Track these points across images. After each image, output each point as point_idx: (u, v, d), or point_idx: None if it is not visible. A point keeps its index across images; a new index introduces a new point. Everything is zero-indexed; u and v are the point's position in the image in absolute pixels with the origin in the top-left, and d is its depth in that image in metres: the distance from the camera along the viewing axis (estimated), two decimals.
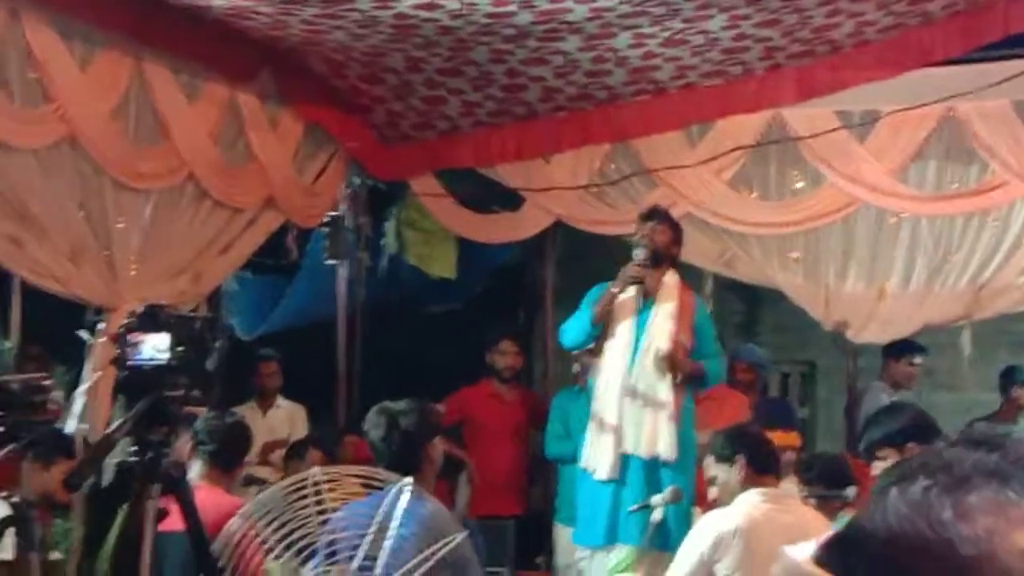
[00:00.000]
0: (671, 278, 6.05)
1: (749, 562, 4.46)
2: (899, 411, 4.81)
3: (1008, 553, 0.74)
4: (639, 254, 5.92)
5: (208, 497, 4.31)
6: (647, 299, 5.99)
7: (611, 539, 5.89)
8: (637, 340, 5.95)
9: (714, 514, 4.73)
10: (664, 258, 6.02)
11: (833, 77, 6.76)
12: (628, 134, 7.25)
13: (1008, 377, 7.69)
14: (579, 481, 6.15)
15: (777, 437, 5.70)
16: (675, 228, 6.16)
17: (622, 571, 5.67)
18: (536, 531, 7.11)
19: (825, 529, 4.53)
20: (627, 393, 5.90)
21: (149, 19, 5.83)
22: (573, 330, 6.14)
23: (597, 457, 5.95)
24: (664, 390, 5.87)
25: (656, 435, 5.85)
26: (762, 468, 4.76)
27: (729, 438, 4.88)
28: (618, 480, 5.90)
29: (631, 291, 5.99)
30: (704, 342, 6.10)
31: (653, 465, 5.88)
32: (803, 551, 0.83)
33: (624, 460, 5.91)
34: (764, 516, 4.56)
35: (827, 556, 0.80)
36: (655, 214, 6.15)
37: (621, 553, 5.70)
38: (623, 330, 5.97)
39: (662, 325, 5.95)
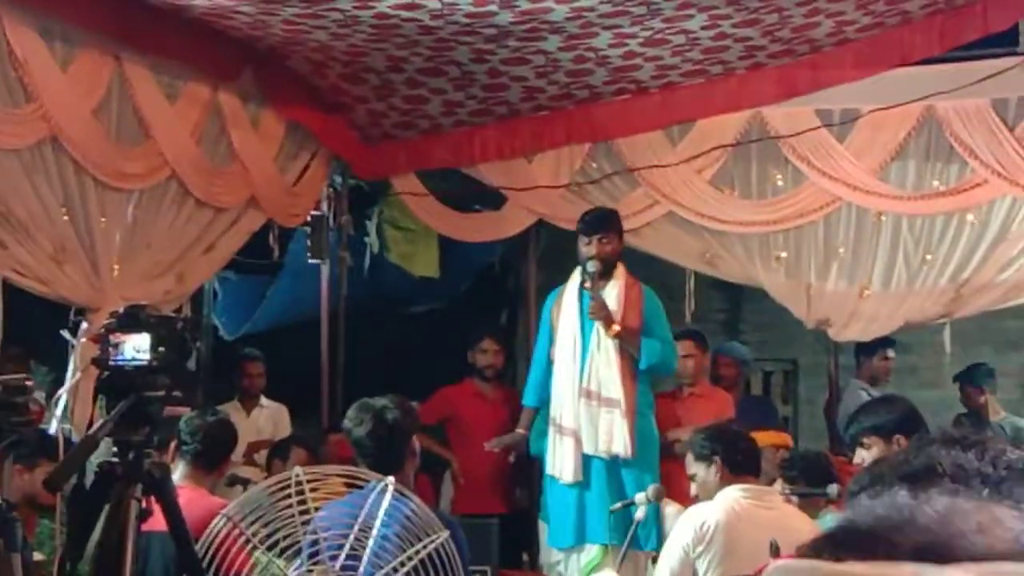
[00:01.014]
0: (618, 276, 6.11)
1: (730, 556, 4.49)
2: (892, 403, 4.82)
3: (974, 534, 0.78)
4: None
5: (192, 497, 4.31)
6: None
7: (579, 540, 5.96)
8: (586, 341, 6.00)
9: (696, 509, 4.76)
10: (614, 263, 6.10)
11: (813, 76, 6.78)
12: (609, 133, 7.27)
13: (962, 379, 7.76)
14: (548, 485, 6.20)
15: (770, 436, 5.73)
16: (620, 232, 6.24)
17: (591, 570, 5.72)
18: (521, 529, 7.11)
19: (806, 524, 4.57)
20: (582, 395, 5.96)
21: (129, 19, 5.82)
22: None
23: (561, 461, 6.00)
24: (615, 388, 5.92)
25: (612, 434, 5.90)
26: (738, 468, 4.78)
27: (708, 437, 4.90)
28: (582, 482, 5.96)
29: (574, 293, 6.03)
30: (654, 327, 6.13)
31: (613, 464, 5.93)
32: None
33: (586, 461, 5.96)
34: (744, 511, 4.60)
35: (812, 551, 0.84)
36: (598, 226, 6.20)
37: (591, 553, 5.76)
38: (572, 333, 6.03)
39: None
